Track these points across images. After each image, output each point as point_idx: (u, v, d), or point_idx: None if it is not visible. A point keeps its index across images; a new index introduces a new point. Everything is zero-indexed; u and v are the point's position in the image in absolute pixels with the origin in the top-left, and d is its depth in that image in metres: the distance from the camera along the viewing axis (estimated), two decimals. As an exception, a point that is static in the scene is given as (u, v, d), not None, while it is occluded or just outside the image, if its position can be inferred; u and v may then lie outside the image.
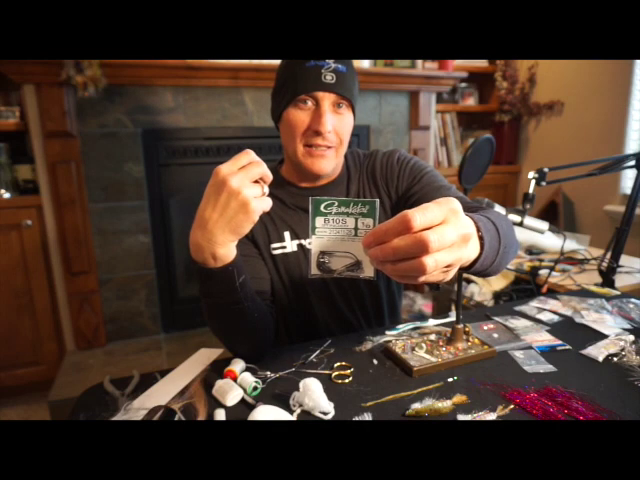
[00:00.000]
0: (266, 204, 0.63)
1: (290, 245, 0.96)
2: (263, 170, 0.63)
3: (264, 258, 0.95)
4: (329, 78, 0.85)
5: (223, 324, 0.78)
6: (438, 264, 0.46)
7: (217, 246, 0.65)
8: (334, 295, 0.98)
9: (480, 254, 0.57)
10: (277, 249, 0.95)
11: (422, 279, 0.48)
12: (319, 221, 0.56)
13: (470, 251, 0.53)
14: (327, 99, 0.87)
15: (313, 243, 0.57)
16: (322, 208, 0.55)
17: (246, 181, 0.61)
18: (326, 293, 0.98)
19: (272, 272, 0.95)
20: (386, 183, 1.00)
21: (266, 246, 0.95)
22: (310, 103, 0.87)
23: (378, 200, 0.55)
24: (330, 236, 0.56)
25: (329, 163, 0.92)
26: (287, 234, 0.96)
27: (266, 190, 0.64)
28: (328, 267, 0.56)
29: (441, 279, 0.51)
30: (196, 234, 0.65)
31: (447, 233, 0.47)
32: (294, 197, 0.99)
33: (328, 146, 0.90)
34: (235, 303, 0.72)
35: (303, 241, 0.97)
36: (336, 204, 0.55)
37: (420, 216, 0.45)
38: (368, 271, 0.56)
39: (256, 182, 0.63)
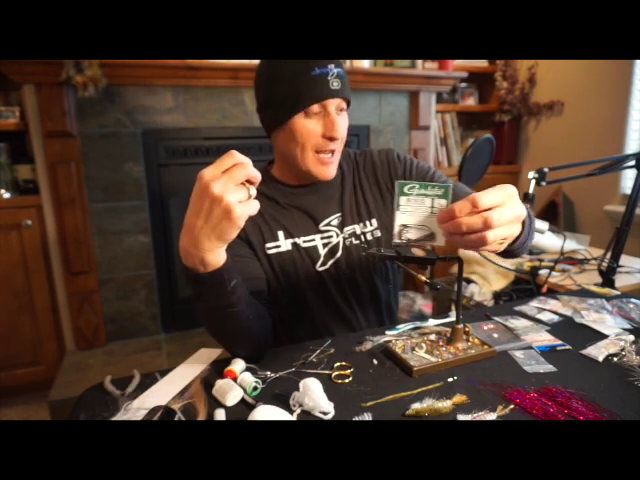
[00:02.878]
0: (252, 208, 0.61)
1: (284, 244, 0.96)
2: (248, 172, 0.60)
3: (259, 258, 0.95)
4: (336, 84, 0.87)
5: (218, 327, 0.78)
6: (496, 238, 0.60)
7: (204, 252, 0.64)
8: (331, 292, 0.98)
9: (521, 233, 0.69)
10: (271, 249, 0.95)
11: (482, 248, 0.62)
12: (402, 200, 0.68)
13: (519, 229, 0.67)
14: (333, 104, 0.88)
15: (396, 217, 0.69)
16: (405, 190, 0.68)
17: (230, 186, 0.59)
18: (323, 291, 0.98)
19: (268, 272, 0.95)
20: (390, 179, 1.03)
21: (261, 246, 0.95)
22: (317, 110, 0.88)
23: (452, 184, 0.68)
24: (411, 212, 0.68)
25: (335, 167, 0.95)
26: (281, 233, 0.96)
27: (253, 192, 0.62)
28: (407, 237, 0.69)
29: (496, 249, 0.65)
30: (184, 240, 0.64)
31: (506, 213, 0.59)
32: (287, 196, 0.99)
33: (334, 150, 0.91)
34: (228, 307, 0.72)
35: (297, 240, 0.96)
36: (417, 187, 0.67)
37: (486, 198, 0.58)
38: (440, 241, 0.69)
39: (243, 184, 0.61)
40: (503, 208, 0.60)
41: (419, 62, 2.53)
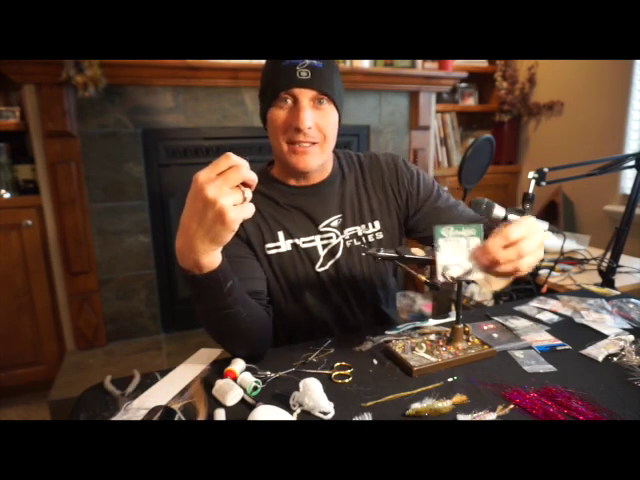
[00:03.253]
0: (247, 211, 0.61)
1: (284, 245, 0.96)
2: (243, 174, 0.59)
3: (259, 259, 0.94)
4: (304, 74, 0.86)
5: (216, 328, 0.78)
6: (529, 265, 0.68)
7: (199, 255, 0.63)
8: (330, 293, 0.98)
9: None
10: (271, 249, 0.95)
11: (516, 275, 0.70)
12: (440, 241, 0.74)
13: (543, 253, 0.73)
14: (305, 95, 0.87)
15: (438, 257, 0.74)
16: (442, 232, 0.74)
17: (224, 189, 0.58)
18: (322, 291, 0.98)
19: (267, 272, 0.95)
20: (397, 184, 1.03)
21: (261, 247, 0.95)
22: (289, 101, 0.88)
23: (482, 225, 0.75)
24: (449, 252, 0.74)
25: (314, 159, 0.92)
26: (281, 234, 0.96)
27: (248, 195, 0.61)
28: (449, 274, 0.74)
29: (526, 272, 0.70)
30: (179, 241, 0.65)
31: (532, 243, 0.67)
32: (287, 196, 0.98)
33: (312, 142, 0.90)
34: (225, 308, 0.72)
35: (297, 240, 0.96)
36: (452, 229, 0.74)
37: (515, 232, 0.66)
38: (477, 275, 0.73)
39: (238, 186, 0.60)
40: (529, 239, 0.67)
41: (419, 62, 2.52)
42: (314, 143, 0.90)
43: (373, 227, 1.01)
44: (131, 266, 2.15)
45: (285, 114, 0.88)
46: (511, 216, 1.01)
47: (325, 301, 0.98)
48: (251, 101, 2.18)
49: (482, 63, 2.96)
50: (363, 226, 1.00)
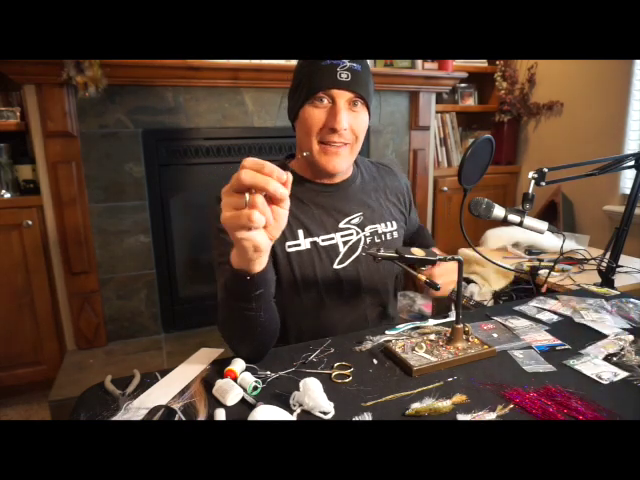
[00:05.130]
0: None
1: (304, 243, 0.96)
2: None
3: (278, 256, 0.94)
4: (344, 76, 0.87)
5: (230, 323, 0.78)
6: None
7: (234, 256, 0.66)
8: (345, 290, 0.99)
9: None
10: (291, 247, 0.95)
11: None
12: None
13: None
14: (342, 97, 0.88)
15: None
16: None
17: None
18: (338, 288, 0.98)
19: (285, 269, 0.95)
20: (405, 207, 1.13)
21: (281, 245, 0.95)
22: (326, 101, 0.89)
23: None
24: None
25: (343, 161, 0.94)
26: (300, 232, 0.96)
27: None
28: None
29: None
30: None
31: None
32: (308, 192, 0.99)
33: (344, 143, 0.91)
34: (247, 310, 0.72)
35: (317, 239, 0.97)
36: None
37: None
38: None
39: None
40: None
41: (419, 62, 2.52)
42: (345, 144, 0.92)
43: (392, 226, 1.05)
44: (131, 266, 2.15)
45: (321, 113, 0.89)
46: (510, 217, 1.01)
47: (338, 299, 0.99)
48: (251, 101, 2.18)
49: (482, 63, 2.96)
50: (382, 225, 1.03)
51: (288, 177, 0.57)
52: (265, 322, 0.76)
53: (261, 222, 0.56)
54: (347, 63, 0.87)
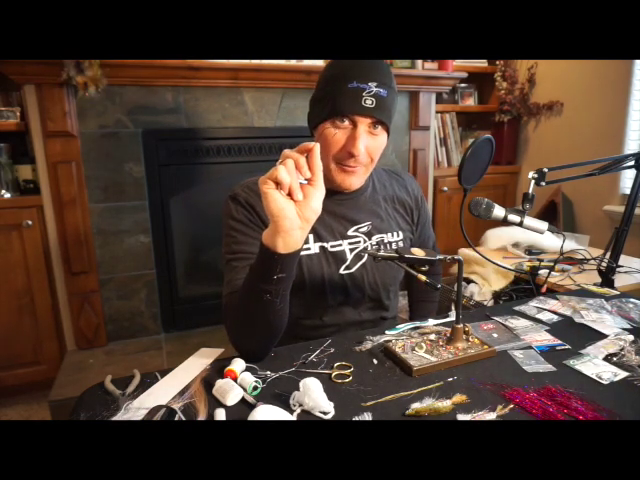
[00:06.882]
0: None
1: (313, 247, 0.98)
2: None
3: None
4: (369, 102, 0.87)
5: (244, 309, 0.78)
6: None
7: (267, 232, 0.70)
8: (349, 295, 1.00)
9: None
10: (303, 250, 0.96)
11: None
12: None
13: None
14: (364, 122, 0.89)
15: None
16: None
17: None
18: (344, 293, 1.00)
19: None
20: (414, 219, 1.13)
21: None
22: (347, 122, 0.89)
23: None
24: None
25: (359, 180, 0.96)
26: (311, 236, 0.98)
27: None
28: None
29: None
30: None
31: None
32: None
33: (355, 165, 0.92)
34: (266, 292, 0.73)
35: (325, 244, 0.98)
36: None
37: None
38: None
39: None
40: None
41: (419, 62, 2.52)
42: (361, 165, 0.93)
43: (398, 236, 1.06)
44: (131, 266, 2.15)
45: (340, 135, 0.90)
46: (510, 217, 1.01)
47: (342, 301, 1.00)
48: (251, 101, 2.18)
49: (482, 63, 2.96)
50: (389, 234, 1.05)
51: (315, 147, 0.66)
52: (279, 311, 0.76)
53: (285, 179, 0.64)
54: (373, 88, 0.87)
